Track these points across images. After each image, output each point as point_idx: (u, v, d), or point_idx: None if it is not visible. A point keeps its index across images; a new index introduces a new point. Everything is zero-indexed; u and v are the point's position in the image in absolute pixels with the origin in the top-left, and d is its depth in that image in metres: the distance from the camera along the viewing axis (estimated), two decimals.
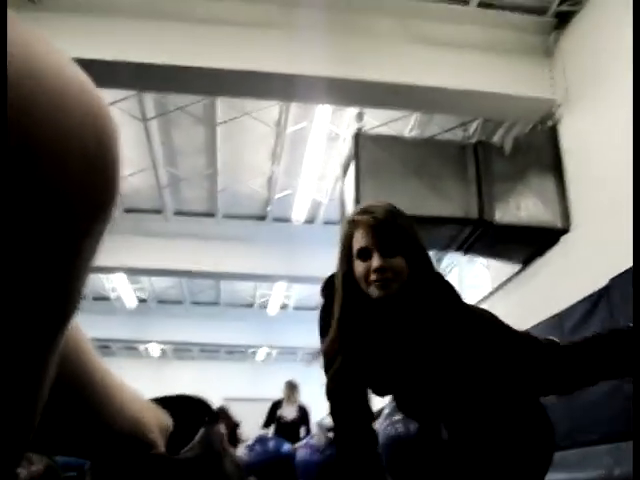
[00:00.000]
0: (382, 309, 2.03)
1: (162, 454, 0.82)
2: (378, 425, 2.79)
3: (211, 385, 17.01)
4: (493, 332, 2.03)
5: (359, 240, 1.98)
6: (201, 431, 0.92)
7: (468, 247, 7.68)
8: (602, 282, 5.90)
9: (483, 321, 2.06)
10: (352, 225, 2.01)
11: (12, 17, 0.31)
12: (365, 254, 1.97)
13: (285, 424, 8.01)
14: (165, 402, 0.91)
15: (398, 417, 2.55)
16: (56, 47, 0.32)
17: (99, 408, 0.68)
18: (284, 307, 16.33)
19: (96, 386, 0.66)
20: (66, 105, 0.31)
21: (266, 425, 8.09)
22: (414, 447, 2.38)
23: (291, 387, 8.35)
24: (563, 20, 7.29)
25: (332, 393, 2.05)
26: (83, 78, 0.34)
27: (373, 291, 1.97)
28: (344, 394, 2.03)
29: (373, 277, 1.95)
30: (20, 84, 0.29)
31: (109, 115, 0.35)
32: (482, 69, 7.08)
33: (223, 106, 9.13)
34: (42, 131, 0.30)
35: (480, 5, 7.22)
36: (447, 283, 2.04)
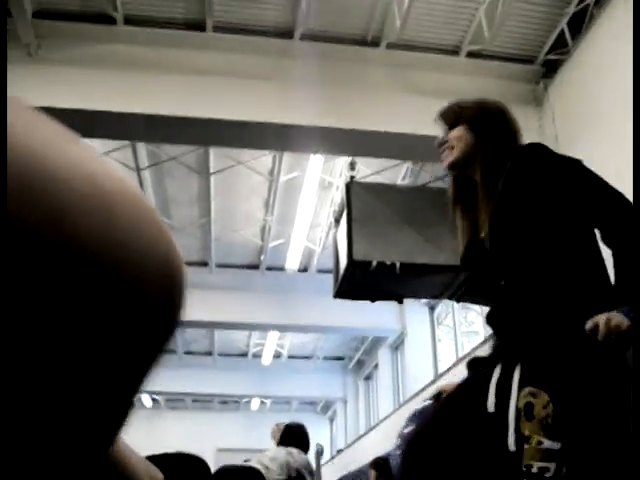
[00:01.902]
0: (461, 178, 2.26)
1: None
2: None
3: (204, 436, 16.86)
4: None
5: None
6: None
7: (461, 294, 7.68)
8: None
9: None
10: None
11: (72, 139, 0.30)
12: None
13: None
14: (159, 459, 0.90)
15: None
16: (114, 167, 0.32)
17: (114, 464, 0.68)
18: (278, 356, 16.23)
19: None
20: (140, 233, 0.31)
21: None
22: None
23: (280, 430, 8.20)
24: (551, 69, 7.41)
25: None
26: (144, 199, 0.33)
27: (444, 164, 2.28)
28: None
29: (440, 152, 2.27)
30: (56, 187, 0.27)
31: (172, 241, 0.35)
32: None
33: (216, 156, 9.19)
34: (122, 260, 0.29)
35: (469, 55, 7.34)
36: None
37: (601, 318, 1.73)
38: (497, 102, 2.41)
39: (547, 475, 1.66)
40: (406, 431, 2.52)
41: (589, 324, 1.75)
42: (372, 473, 7.28)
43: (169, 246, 0.35)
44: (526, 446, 1.71)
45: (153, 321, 0.33)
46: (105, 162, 0.31)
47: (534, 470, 1.67)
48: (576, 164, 2.19)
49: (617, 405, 1.76)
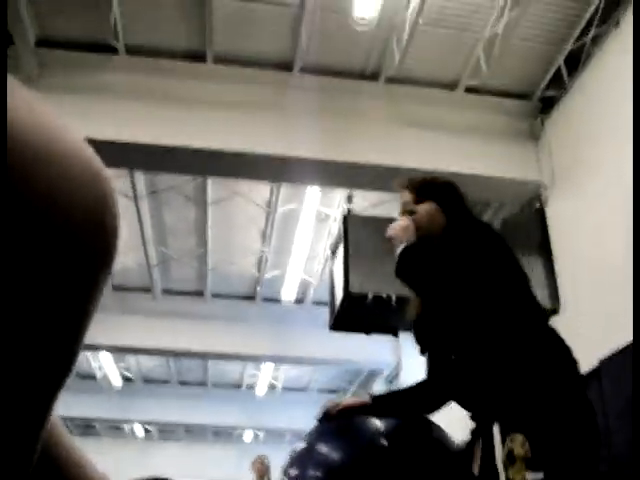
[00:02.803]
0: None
1: None
2: None
3: (196, 467, 16.70)
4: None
5: None
6: None
7: None
8: (592, 363, 5.87)
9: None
10: (400, 190, 2.39)
11: (17, 84, 0.35)
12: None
13: None
14: None
15: (295, 472, 2.40)
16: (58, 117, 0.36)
17: None
18: (272, 388, 16.13)
19: (72, 468, 0.65)
20: (70, 167, 0.35)
21: None
22: None
23: (261, 461, 8.11)
24: (548, 105, 7.47)
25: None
26: (83, 145, 0.38)
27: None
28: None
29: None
30: (25, 148, 0.32)
31: (106, 177, 0.38)
32: (470, 152, 7.20)
33: (214, 186, 9.21)
34: (49, 188, 0.33)
35: (467, 90, 7.40)
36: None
37: None
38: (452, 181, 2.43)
39: None
40: (292, 473, 2.42)
41: None
42: None
43: (101, 192, 0.37)
44: None
45: (86, 258, 0.36)
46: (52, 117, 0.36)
47: None
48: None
49: (582, 432, 1.96)
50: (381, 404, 2.41)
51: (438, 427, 2.46)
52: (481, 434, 2.13)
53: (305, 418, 18.48)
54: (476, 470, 2.08)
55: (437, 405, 2.42)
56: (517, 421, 1.97)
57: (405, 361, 13.27)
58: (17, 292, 0.32)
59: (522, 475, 1.86)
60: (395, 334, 8.13)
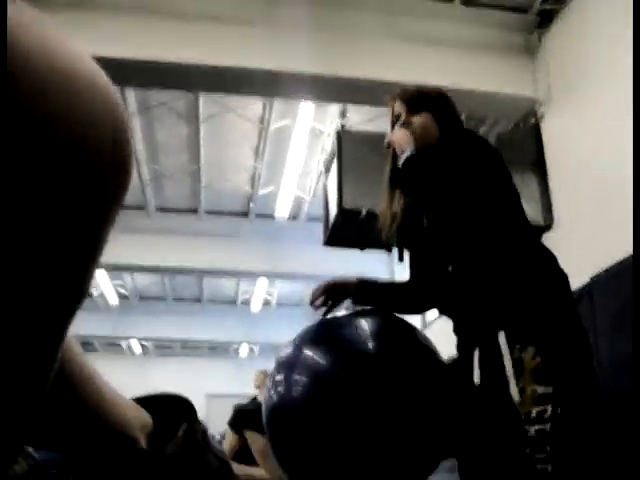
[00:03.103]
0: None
1: (146, 450, 0.82)
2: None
3: (193, 382, 17.01)
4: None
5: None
6: (183, 427, 0.92)
7: None
8: (585, 279, 5.94)
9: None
10: (390, 101, 2.33)
11: (24, 5, 0.35)
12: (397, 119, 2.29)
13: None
14: (145, 401, 0.91)
15: (281, 377, 2.41)
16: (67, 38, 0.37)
17: (92, 404, 0.69)
18: (267, 304, 16.33)
19: (86, 382, 0.67)
20: (78, 89, 0.35)
21: None
22: (296, 418, 2.30)
23: (263, 375, 8.26)
24: (546, 19, 7.32)
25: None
26: (93, 66, 0.38)
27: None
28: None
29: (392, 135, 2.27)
30: (35, 68, 0.32)
31: (118, 100, 0.38)
32: (465, 67, 7.10)
33: (206, 102, 9.10)
34: (55, 111, 0.33)
35: (464, 3, 7.24)
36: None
37: None
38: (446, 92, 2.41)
39: (545, 416, 1.89)
40: (278, 378, 2.43)
41: None
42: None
43: (116, 122, 0.37)
44: (523, 396, 1.93)
45: (102, 184, 0.36)
46: (73, 48, 0.37)
47: (533, 415, 1.90)
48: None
49: (588, 349, 2.03)
50: (365, 290, 2.44)
51: (424, 336, 2.51)
52: (479, 344, 2.17)
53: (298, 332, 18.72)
54: (477, 379, 2.13)
55: (419, 307, 2.53)
56: (525, 332, 2.00)
57: (398, 277, 13.42)
58: (33, 212, 0.32)
59: (531, 387, 1.92)
60: (388, 250, 8.17)
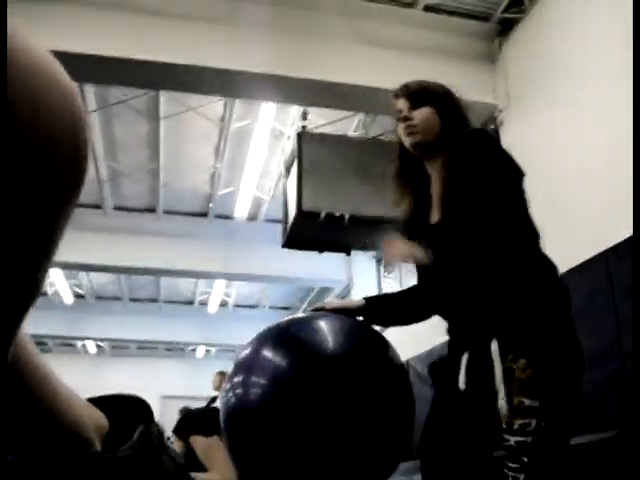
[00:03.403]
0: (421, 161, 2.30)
1: (101, 453, 0.81)
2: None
3: (149, 383, 16.87)
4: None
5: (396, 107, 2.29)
6: (139, 429, 0.91)
7: None
8: None
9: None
10: (393, 99, 2.31)
11: None
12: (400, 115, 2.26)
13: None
14: (100, 401, 0.90)
15: (239, 379, 2.39)
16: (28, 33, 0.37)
17: (47, 404, 0.68)
18: (224, 305, 16.25)
19: (41, 382, 0.66)
20: (38, 84, 0.35)
21: None
22: (254, 420, 2.30)
23: (222, 376, 8.24)
24: (507, 27, 7.41)
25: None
26: (53, 62, 0.38)
27: (406, 142, 2.26)
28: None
29: (401, 127, 2.25)
30: None
31: (75, 93, 0.38)
32: (426, 72, 7.07)
33: (167, 100, 9.04)
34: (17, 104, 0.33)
35: (426, 9, 7.29)
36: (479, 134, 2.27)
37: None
38: (452, 87, 2.41)
39: (529, 429, 1.89)
40: (236, 380, 2.41)
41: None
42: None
43: (74, 118, 0.37)
44: (508, 407, 1.94)
45: (57, 179, 0.36)
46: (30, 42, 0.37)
47: (516, 426, 1.91)
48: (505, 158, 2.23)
49: (580, 365, 2.03)
50: (373, 305, 2.38)
51: (384, 338, 2.51)
52: (469, 348, 2.16)
53: (256, 334, 18.66)
54: (462, 382, 2.13)
55: (429, 311, 2.44)
56: (519, 342, 2.00)
57: (356, 279, 13.46)
58: None
59: (518, 399, 1.93)
60: (347, 252, 8.20)
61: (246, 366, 2.44)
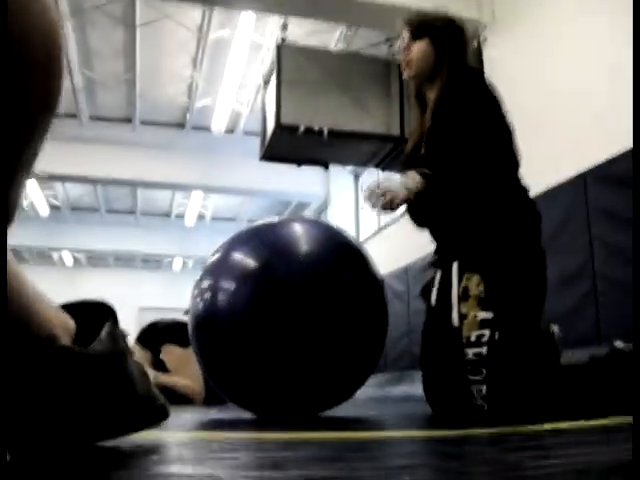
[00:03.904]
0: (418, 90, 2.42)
1: (71, 346, 0.82)
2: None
3: (126, 294, 16.96)
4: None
5: None
6: (105, 328, 0.92)
7: (387, 163, 7.73)
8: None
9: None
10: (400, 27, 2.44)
11: None
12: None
13: None
14: (69, 307, 0.91)
15: (207, 284, 2.40)
16: None
17: (22, 309, 0.68)
18: (201, 217, 16.24)
19: (13, 277, 0.66)
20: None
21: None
22: (225, 326, 2.31)
23: None
24: None
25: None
26: None
27: (404, 75, 2.40)
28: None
29: (402, 58, 2.39)
30: None
31: (55, 12, 0.37)
32: None
33: (143, 7, 8.79)
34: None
35: None
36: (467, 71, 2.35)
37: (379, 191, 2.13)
38: (458, 19, 2.48)
39: (483, 340, 2.00)
40: (204, 284, 2.40)
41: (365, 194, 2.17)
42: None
43: (50, 26, 0.36)
44: (465, 321, 2.05)
45: (34, 89, 0.35)
46: None
47: (472, 339, 2.02)
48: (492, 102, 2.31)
49: (533, 281, 2.13)
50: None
51: (360, 246, 2.53)
52: (441, 267, 2.28)
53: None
54: (433, 298, 2.26)
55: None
56: (476, 261, 2.11)
57: (333, 193, 13.47)
58: None
59: (473, 313, 2.04)
60: (325, 166, 8.18)
61: (215, 270, 2.43)
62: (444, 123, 2.21)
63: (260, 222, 2.61)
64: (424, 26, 2.39)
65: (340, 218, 13.15)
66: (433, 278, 2.31)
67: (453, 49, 2.36)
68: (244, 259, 2.37)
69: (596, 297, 5.07)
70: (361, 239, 11.85)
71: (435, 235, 2.37)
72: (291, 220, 2.76)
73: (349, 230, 12.49)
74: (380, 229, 11.15)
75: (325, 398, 2.45)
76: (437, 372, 2.22)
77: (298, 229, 2.49)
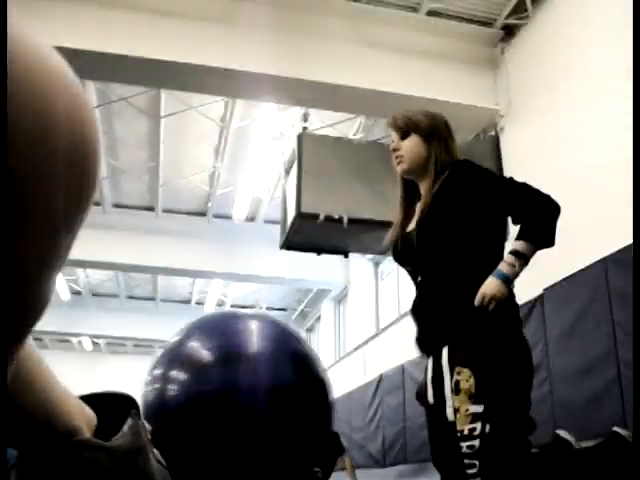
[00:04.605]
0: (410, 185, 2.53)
1: (91, 440, 0.81)
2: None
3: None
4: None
5: None
6: (128, 421, 0.91)
7: None
8: (536, 292, 6.01)
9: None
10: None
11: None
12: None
13: None
14: (89, 398, 0.90)
15: (159, 371, 2.46)
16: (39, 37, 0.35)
17: (26, 393, 0.68)
18: (221, 305, 16.25)
19: (37, 372, 0.66)
20: (50, 93, 0.33)
21: None
22: (179, 416, 2.34)
23: None
24: (509, 32, 7.42)
25: None
26: (66, 68, 0.35)
27: (397, 171, 2.51)
28: None
29: (392, 156, 2.48)
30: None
31: (91, 108, 0.36)
32: (428, 76, 7.15)
33: (168, 99, 9.03)
34: (23, 117, 0.31)
35: (429, 13, 7.29)
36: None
37: (481, 293, 2.14)
38: (441, 114, 2.56)
39: (475, 434, 2.02)
40: (155, 372, 2.47)
41: (477, 300, 2.14)
42: None
43: (84, 120, 0.36)
44: (457, 415, 2.07)
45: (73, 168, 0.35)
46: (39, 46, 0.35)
47: (465, 432, 2.04)
48: (497, 178, 2.45)
49: (521, 372, 2.16)
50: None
51: (305, 343, 2.61)
52: (430, 353, 2.30)
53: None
54: (430, 396, 2.26)
55: None
56: (464, 356, 2.13)
57: (354, 281, 13.46)
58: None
59: (464, 407, 2.06)
60: (345, 255, 8.20)
61: (163, 360, 2.48)
62: (440, 216, 2.28)
63: (215, 313, 2.71)
64: (410, 125, 2.45)
65: (360, 305, 13.11)
66: (425, 377, 2.33)
67: (440, 143, 2.44)
68: (193, 353, 2.42)
69: (620, 384, 4.98)
70: (381, 326, 11.77)
71: (420, 321, 2.38)
72: (247, 317, 2.84)
73: (369, 317, 12.47)
74: (401, 316, 11.08)
75: None
76: (443, 467, 2.25)
77: (249, 325, 2.56)
